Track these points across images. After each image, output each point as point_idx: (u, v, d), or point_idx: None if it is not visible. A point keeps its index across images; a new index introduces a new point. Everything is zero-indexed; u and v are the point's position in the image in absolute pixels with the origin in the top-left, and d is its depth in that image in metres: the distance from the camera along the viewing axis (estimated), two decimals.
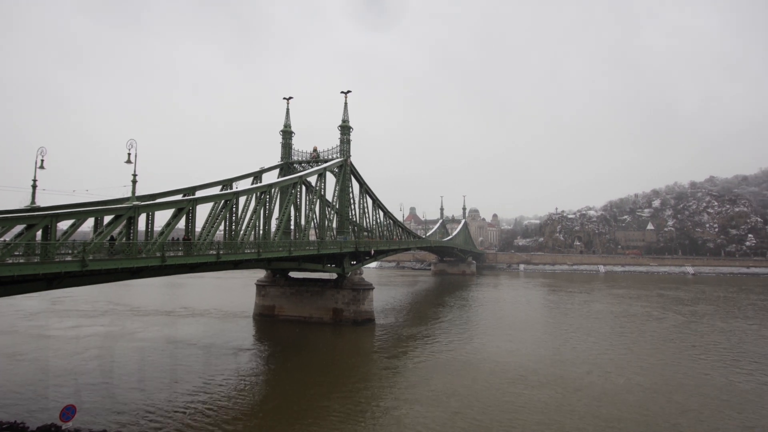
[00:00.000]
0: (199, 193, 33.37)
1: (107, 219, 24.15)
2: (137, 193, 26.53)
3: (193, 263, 28.16)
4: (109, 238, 23.36)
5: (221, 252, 30.14)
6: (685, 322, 54.07)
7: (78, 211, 22.79)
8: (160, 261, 24.94)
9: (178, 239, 29.54)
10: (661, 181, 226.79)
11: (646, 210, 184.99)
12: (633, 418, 23.72)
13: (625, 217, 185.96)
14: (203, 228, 31.72)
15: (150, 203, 27.18)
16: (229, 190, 36.25)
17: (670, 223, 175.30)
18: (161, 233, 26.10)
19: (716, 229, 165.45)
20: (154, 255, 24.75)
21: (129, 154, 25.01)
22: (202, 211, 31.00)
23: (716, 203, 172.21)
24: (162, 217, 28.63)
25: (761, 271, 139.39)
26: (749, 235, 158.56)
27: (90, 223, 25.55)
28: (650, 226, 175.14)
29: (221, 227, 32.85)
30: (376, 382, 30.33)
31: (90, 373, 30.64)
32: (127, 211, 23.65)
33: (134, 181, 25.90)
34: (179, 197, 31.53)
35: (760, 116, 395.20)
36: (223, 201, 32.22)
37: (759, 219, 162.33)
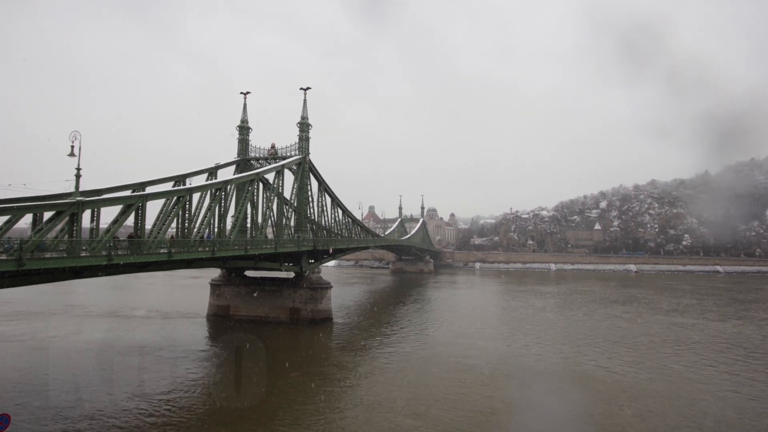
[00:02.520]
0: (149, 189, 32.00)
1: (47, 215, 22.70)
2: (81, 189, 25.11)
3: (142, 262, 26.99)
4: (45, 236, 21.98)
5: (173, 250, 29.02)
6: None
7: (14, 207, 21.25)
8: (106, 260, 23.74)
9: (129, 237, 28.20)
10: (608, 183, 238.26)
11: (594, 211, 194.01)
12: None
13: (575, 217, 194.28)
14: (154, 225, 30.45)
15: (96, 199, 25.83)
16: (182, 187, 34.98)
17: (616, 223, 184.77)
18: (108, 230, 24.85)
19: (656, 230, 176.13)
20: (99, 254, 23.53)
21: (72, 146, 23.64)
22: (153, 209, 29.77)
23: (657, 205, 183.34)
24: (109, 214, 27.28)
25: (695, 269, 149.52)
26: (685, 235, 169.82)
27: (28, 219, 23.96)
28: (597, 226, 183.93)
29: (173, 225, 31.67)
30: (331, 381, 30.21)
31: (26, 380, 28.71)
32: (69, 206, 22.32)
33: (78, 176, 24.48)
34: (128, 193, 30.12)
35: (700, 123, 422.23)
36: (175, 198, 31.06)
37: (694, 220, 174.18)
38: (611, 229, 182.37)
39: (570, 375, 31.80)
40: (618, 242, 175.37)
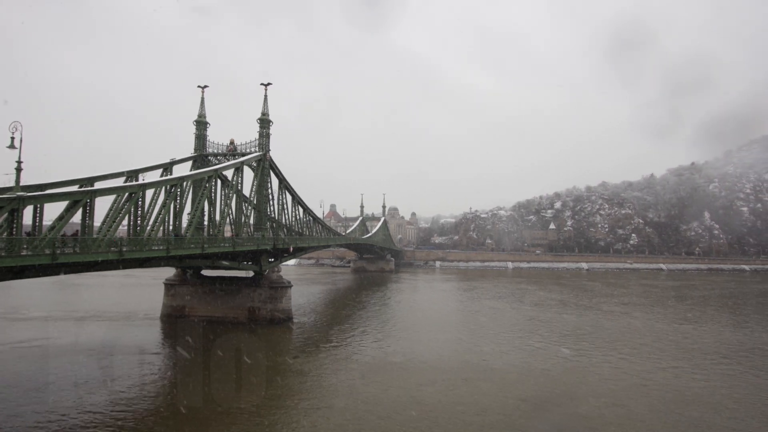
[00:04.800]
0: (98, 185, 30.47)
1: None
2: (23, 183, 23.62)
3: (90, 261, 25.63)
4: None
5: (124, 249, 27.75)
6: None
7: None
8: (50, 259, 22.42)
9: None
10: (562, 184, 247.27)
11: (549, 211, 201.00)
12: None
13: (531, 217, 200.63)
14: (103, 223, 28.98)
15: (39, 194, 24.36)
16: (134, 182, 33.55)
17: (569, 223, 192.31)
18: (52, 228, 23.45)
19: (606, 229, 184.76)
20: (42, 252, 22.17)
21: (12, 138, 22.18)
22: (103, 206, 28.33)
23: (607, 206, 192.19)
24: (54, 211, 25.72)
25: (641, 267, 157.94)
26: (633, 235, 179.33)
27: None
28: (552, 226, 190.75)
29: (125, 223, 30.30)
30: (286, 383, 29.80)
31: None
32: (9, 202, 20.92)
33: (18, 169, 23.02)
34: (75, 188, 28.56)
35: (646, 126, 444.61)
36: (127, 194, 29.69)
37: (640, 221, 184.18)
38: (565, 228, 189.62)
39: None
40: (571, 241, 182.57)
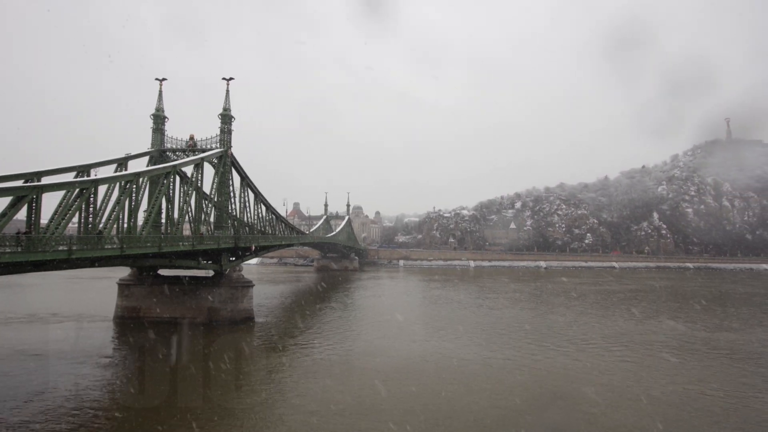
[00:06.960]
0: (46, 180, 28.85)
1: None
2: None
3: (37, 261, 24.25)
4: None
5: (74, 247, 26.40)
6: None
7: None
8: None
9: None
10: (522, 185, 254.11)
11: (509, 211, 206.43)
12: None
13: (493, 216, 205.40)
14: (51, 220, 27.47)
15: None
16: (86, 178, 31.99)
17: (529, 223, 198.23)
18: None
19: (564, 229, 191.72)
20: None
21: None
22: (51, 202, 26.84)
23: (564, 206, 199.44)
24: None
25: (595, 265, 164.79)
26: (588, 234, 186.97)
27: None
28: (513, 225, 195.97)
29: (75, 220, 28.86)
30: (245, 385, 29.24)
31: None
32: None
33: None
34: (20, 183, 26.91)
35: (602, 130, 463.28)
36: (78, 189, 28.26)
37: (595, 221, 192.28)
38: (525, 228, 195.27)
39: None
40: (530, 240, 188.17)
